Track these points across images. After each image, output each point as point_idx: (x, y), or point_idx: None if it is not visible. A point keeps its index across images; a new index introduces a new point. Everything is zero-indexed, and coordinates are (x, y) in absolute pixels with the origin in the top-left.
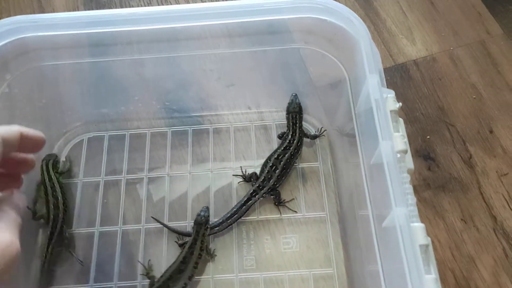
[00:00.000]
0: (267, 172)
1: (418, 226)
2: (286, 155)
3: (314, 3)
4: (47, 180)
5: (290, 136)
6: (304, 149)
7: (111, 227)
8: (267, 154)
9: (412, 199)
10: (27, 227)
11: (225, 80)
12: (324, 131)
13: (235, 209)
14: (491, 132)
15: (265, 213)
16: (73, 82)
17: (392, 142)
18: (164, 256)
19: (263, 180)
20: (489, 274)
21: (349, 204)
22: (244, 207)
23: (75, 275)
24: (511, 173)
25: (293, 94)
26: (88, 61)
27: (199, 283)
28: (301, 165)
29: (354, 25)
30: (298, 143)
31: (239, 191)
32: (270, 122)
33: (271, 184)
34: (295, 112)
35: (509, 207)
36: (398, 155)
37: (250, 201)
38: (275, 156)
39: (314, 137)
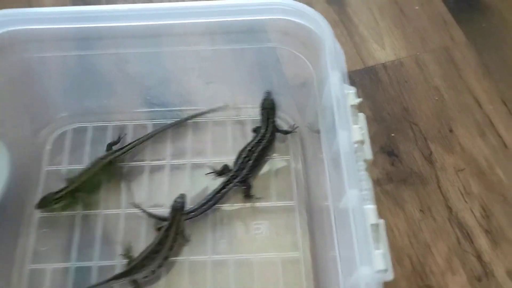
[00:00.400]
0: (241, 163)
1: (370, 208)
2: (259, 147)
3: (287, 6)
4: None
5: (263, 130)
6: (277, 143)
7: (93, 211)
8: (241, 147)
9: (367, 184)
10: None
11: (205, 78)
12: (296, 127)
13: (210, 197)
14: (450, 131)
15: (238, 202)
16: (58, 75)
17: (350, 133)
18: (143, 241)
19: (237, 170)
20: (443, 259)
21: (316, 194)
22: (218, 194)
23: (57, 255)
24: (468, 169)
25: (267, 91)
26: (73, 55)
27: (175, 263)
28: (273, 158)
29: (320, 26)
30: (270, 136)
31: (215, 184)
32: (246, 117)
33: (244, 173)
34: (268, 108)
35: (464, 199)
36: (356, 145)
37: (224, 189)
38: (249, 148)
39: (286, 132)
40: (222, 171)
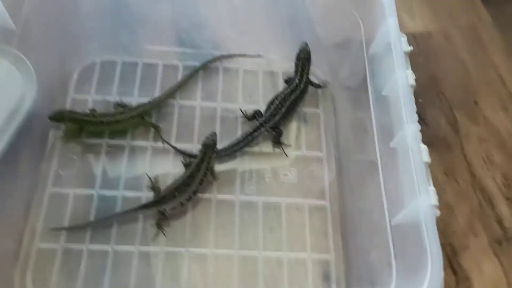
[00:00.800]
0: (274, 109)
1: (424, 147)
2: (292, 97)
3: None
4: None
5: (297, 80)
6: (308, 96)
7: (119, 140)
8: (271, 96)
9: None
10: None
11: (238, 27)
12: (328, 83)
13: (241, 139)
14: (475, 103)
15: (268, 147)
16: (92, 4)
17: (407, 75)
18: (170, 174)
19: (270, 115)
20: (465, 221)
21: (345, 147)
22: (249, 137)
23: (81, 180)
24: (491, 140)
25: (304, 42)
26: None
27: (202, 200)
28: (304, 109)
29: None
30: (304, 87)
31: (244, 126)
32: (277, 70)
33: (276, 119)
34: (305, 59)
35: (486, 167)
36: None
37: (256, 133)
38: (282, 96)
39: (318, 86)
40: (253, 116)
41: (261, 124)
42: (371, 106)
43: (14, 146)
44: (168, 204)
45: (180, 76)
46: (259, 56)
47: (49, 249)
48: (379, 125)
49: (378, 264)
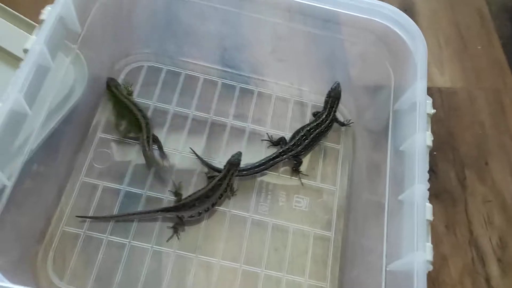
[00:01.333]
0: (298, 139)
1: (429, 205)
2: (317, 130)
3: (385, 9)
4: (124, 99)
5: (324, 116)
6: (331, 131)
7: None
8: (298, 126)
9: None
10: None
11: (277, 54)
12: (351, 122)
13: (263, 161)
14: (486, 164)
15: (286, 173)
16: (147, 13)
17: (425, 137)
18: (192, 184)
19: (293, 144)
20: (456, 274)
21: (358, 185)
22: (271, 161)
23: (111, 176)
24: (494, 202)
25: (337, 82)
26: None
27: (218, 212)
28: (325, 143)
29: (415, 37)
30: (329, 123)
31: (267, 150)
32: (307, 101)
33: (298, 149)
34: (335, 98)
35: (486, 227)
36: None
37: (278, 159)
38: (307, 128)
39: (343, 124)
40: (278, 142)
41: (284, 151)
42: (388, 154)
43: (58, 133)
44: (187, 212)
45: (218, 92)
46: (291, 85)
47: (72, 233)
48: (392, 173)
49: None
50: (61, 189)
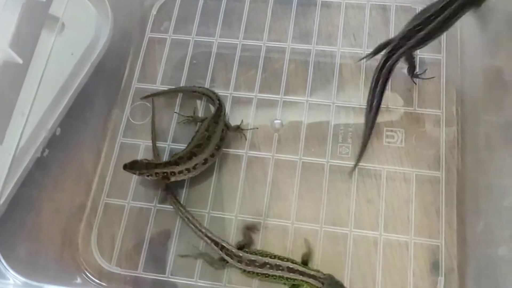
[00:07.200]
0: (409, 30)
1: None
2: (441, 16)
3: None
4: None
5: None
6: None
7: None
8: (382, 37)
9: None
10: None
11: None
12: None
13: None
14: None
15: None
16: None
17: None
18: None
19: (401, 37)
20: None
21: (473, 104)
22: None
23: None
24: None
25: None
26: None
27: (284, 161)
28: (422, 54)
29: None
30: (461, 5)
31: (342, 74)
32: (390, 3)
33: (409, 44)
34: None
35: None
36: None
37: (389, 62)
38: (426, 15)
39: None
40: (378, 49)
41: (391, 51)
42: None
43: (88, 88)
44: None
45: (270, 13)
46: None
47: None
48: None
49: (509, 262)
50: (99, 153)
